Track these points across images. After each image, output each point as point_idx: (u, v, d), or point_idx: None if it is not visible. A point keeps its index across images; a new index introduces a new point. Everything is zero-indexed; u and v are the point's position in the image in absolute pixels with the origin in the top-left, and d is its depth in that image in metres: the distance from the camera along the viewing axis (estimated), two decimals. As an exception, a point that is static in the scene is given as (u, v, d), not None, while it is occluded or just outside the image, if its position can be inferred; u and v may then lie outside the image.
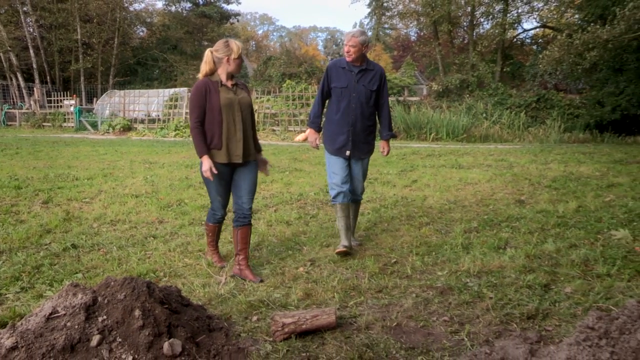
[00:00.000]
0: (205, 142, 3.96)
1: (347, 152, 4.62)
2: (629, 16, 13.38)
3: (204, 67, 4.01)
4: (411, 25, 34.48)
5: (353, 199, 4.78)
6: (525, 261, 4.26)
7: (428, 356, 2.82)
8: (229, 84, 4.03)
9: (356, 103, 4.57)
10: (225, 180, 4.10)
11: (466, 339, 2.99)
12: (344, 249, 4.50)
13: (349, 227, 4.71)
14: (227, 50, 3.95)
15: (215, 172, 3.91)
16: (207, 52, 4.01)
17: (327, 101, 4.79)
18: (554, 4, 23.79)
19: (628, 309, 2.30)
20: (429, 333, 3.11)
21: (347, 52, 4.53)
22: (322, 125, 4.81)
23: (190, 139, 20.15)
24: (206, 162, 3.91)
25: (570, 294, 3.60)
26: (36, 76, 28.51)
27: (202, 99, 3.94)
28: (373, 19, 33.09)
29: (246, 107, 4.10)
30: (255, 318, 3.33)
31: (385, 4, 30.75)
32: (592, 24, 15.20)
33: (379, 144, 4.87)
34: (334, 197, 4.64)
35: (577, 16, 21.28)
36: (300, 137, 17.87)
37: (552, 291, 3.67)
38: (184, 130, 20.21)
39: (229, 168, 4.06)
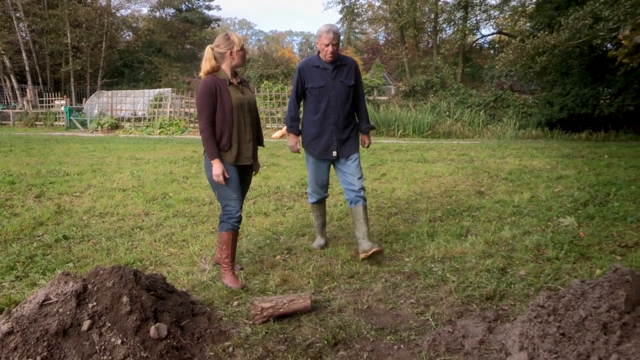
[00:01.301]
0: (216, 144, 3.53)
1: (334, 153, 4.16)
2: (572, 25, 13.85)
3: (206, 65, 3.58)
4: (380, 30, 34.75)
5: (356, 199, 4.20)
6: (484, 247, 4.32)
7: (396, 336, 2.84)
8: (236, 82, 3.64)
9: (336, 101, 4.11)
10: (238, 178, 3.69)
11: (431, 319, 3.02)
12: (319, 249, 4.38)
13: (325, 224, 4.53)
14: (228, 43, 3.53)
15: (228, 176, 3.54)
16: (208, 49, 3.59)
17: (301, 103, 4.34)
18: (508, 13, 24.28)
19: (573, 288, 2.35)
20: (397, 314, 3.14)
21: (332, 53, 4.00)
22: (300, 128, 4.36)
23: (175, 136, 19.96)
24: (218, 166, 3.50)
25: (524, 276, 3.66)
26: (29, 78, 28.23)
27: (212, 97, 3.50)
28: (344, 24, 33.20)
29: (253, 107, 3.75)
30: (235, 303, 3.31)
31: (355, 11, 30.90)
32: (541, 31, 15.55)
33: (360, 138, 4.45)
34: (314, 202, 4.38)
35: (528, 24, 21.68)
36: (277, 134, 17.80)
37: (508, 274, 3.73)
38: (168, 128, 20.04)
39: (236, 168, 3.67)
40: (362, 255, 4.00)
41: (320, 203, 4.39)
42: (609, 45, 15.24)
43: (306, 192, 6.81)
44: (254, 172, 3.93)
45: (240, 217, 3.70)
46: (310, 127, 4.20)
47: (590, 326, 2.13)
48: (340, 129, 4.17)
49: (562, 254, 4.07)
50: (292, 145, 4.35)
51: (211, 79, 3.53)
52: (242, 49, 3.57)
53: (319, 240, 4.47)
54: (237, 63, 3.59)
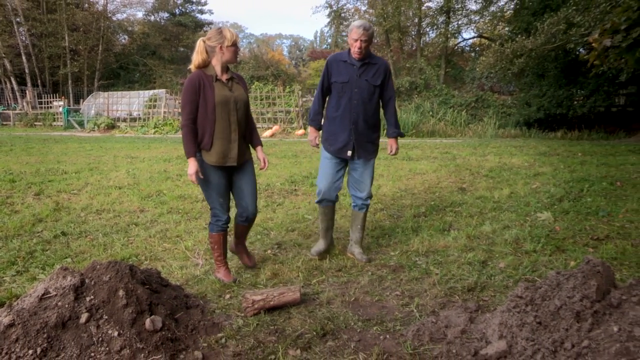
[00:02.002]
0: (195, 142, 3.28)
1: (349, 153, 3.85)
2: (547, 30, 14.12)
3: (196, 57, 3.33)
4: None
5: (362, 206, 3.98)
6: (466, 241, 4.35)
7: (382, 326, 2.86)
8: (224, 78, 3.36)
9: (358, 99, 3.77)
10: (224, 180, 3.43)
11: (415, 310, 3.04)
12: (316, 256, 3.99)
13: (330, 229, 4.10)
14: (219, 37, 3.27)
15: (202, 176, 3.28)
16: (199, 42, 3.34)
17: (327, 98, 4.02)
18: (488, 18, 24.49)
19: (549, 279, 2.39)
20: (383, 306, 3.15)
21: (359, 49, 3.68)
22: (322, 124, 4.05)
23: (169, 135, 19.76)
24: (192, 165, 3.24)
25: (503, 268, 3.69)
26: (28, 80, 28.30)
27: (195, 94, 3.26)
28: (332, 28, 33.18)
29: (242, 106, 3.43)
30: (228, 296, 3.31)
31: (342, 15, 30.91)
32: (519, 36, 15.73)
33: (387, 143, 4.07)
34: (319, 201, 4.00)
35: (507, 28, 21.86)
36: (268, 133, 17.76)
37: (489, 267, 3.76)
38: (162, 128, 19.93)
39: (224, 170, 3.41)
40: (349, 254, 4.06)
41: (326, 205, 4.00)
42: (581, 49, 15.45)
43: (295, 189, 6.82)
44: (260, 168, 3.68)
45: (227, 219, 3.50)
46: (330, 123, 3.92)
47: (564, 315, 2.16)
48: (359, 129, 3.83)
49: (539, 247, 4.12)
50: (311, 140, 4.05)
51: (197, 74, 3.31)
52: (233, 44, 3.29)
53: (319, 245, 4.07)
54: (228, 59, 3.32)
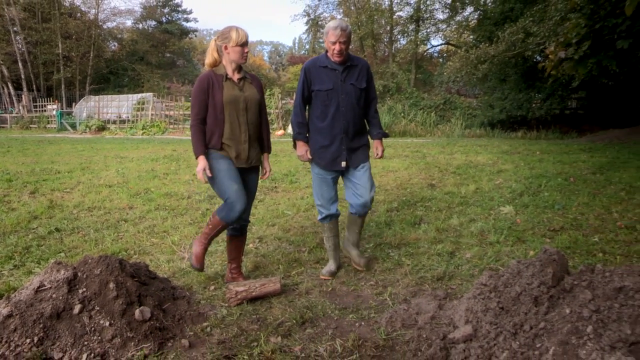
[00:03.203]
0: (204, 141, 3.00)
1: (343, 164, 3.37)
2: (507, 38, 14.47)
3: (208, 57, 3.09)
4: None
5: (363, 211, 3.52)
6: (435, 234, 4.39)
7: (357, 314, 2.87)
8: (235, 77, 3.07)
9: (347, 106, 3.32)
10: (234, 167, 3.06)
11: (388, 299, 3.06)
12: (328, 277, 3.44)
13: (338, 247, 3.61)
14: (225, 37, 3.02)
15: (210, 174, 2.96)
16: (212, 41, 3.09)
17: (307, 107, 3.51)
18: (454, 27, 24.81)
19: (511, 268, 2.43)
20: (358, 295, 3.17)
21: (339, 51, 3.22)
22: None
23: (156, 136, 19.50)
24: (201, 163, 2.95)
25: (469, 258, 3.74)
26: (24, 85, 28.15)
27: (204, 93, 3.00)
28: (310, 35, 33.12)
29: (253, 105, 3.10)
30: (212, 287, 3.28)
31: (320, 22, 30.87)
32: (482, 43, 16.03)
33: (372, 145, 3.59)
34: (322, 219, 3.53)
35: (471, 36, 22.24)
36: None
37: (456, 257, 3.80)
38: (150, 129, 19.74)
39: (232, 163, 3.07)
40: (355, 265, 3.60)
41: (331, 221, 3.53)
42: (538, 57, 15.81)
43: (275, 187, 6.79)
44: (261, 177, 3.31)
45: (241, 212, 3.01)
46: (317, 135, 3.39)
47: (524, 300, 2.21)
48: (350, 137, 3.38)
49: (502, 238, 4.18)
50: (301, 154, 3.44)
51: (207, 74, 3.06)
52: (238, 44, 3.00)
53: (330, 266, 3.54)
54: (235, 58, 3.03)
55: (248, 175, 3.19)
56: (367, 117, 3.55)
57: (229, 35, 2.99)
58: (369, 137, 3.58)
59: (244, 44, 3.02)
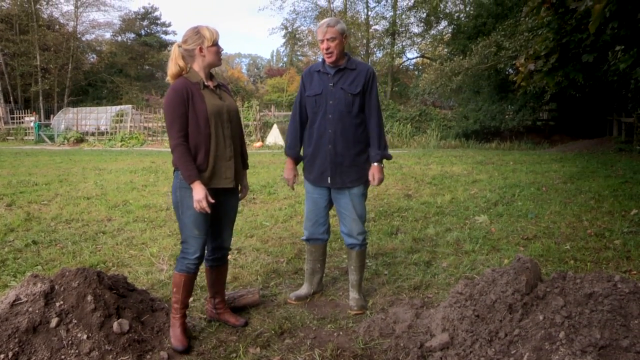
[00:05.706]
0: (194, 163, 2.53)
1: (329, 179, 2.99)
2: (480, 52, 14.91)
3: (172, 66, 2.61)
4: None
5: (352, 245, 3.09)
6: (412, 243, 4.42)
7: (336, 324, 2.86)
8: (211, 85, 2.67)
9: (334, 113, 2.92)
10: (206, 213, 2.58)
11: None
12: (294, 301, 3.13)
13: (317, 272, 3.23)
14: (197, 38, 2.58)
15: (213, 201, 2.52)
16: (174, 47, 2.63)
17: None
18: (429, 40, 25.35)
19: (486, 276, 2.47)
20: (337, 305, 3.16)
21: (327, 50, 2.87)
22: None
23: (135, 148, 19.14)
24: (200, 190, 2.47)
25: (445, 267, 3.78)
26: (1, 97, 27.55)
27: (183, 105, 2.52)
28: (287, 47, 33.35)
29: (235, 117, 2.72)
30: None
31: (297, 36, 31.15)
32: (456, 56, 16.41)
33: (370, 169, 3.02)
34: (304, 239, 3.22)
35: (446, 49, 22.73)
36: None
37: (433, 266, 3.83)
38: (128, 141, 19.57)
39: (211, 194, 2.56)
40: (350, 311, 3.04)
41: (313, 245, 3.18)
42: (510, 69, 16.27)
43: (254, 198, 6.76)
44: (240, 196, 2.89)
45: (199, 259, 2.65)
46: (306, 145, 3.08)
47: (499, 307, 2.24)
48: (337, 150, 2.94)
49: (477, 247, 4.24)
50: (287, 179, 3.12)
51: (182, 82, 2.57)
52: (214, 44, 2.61)
53: (301, 290, 3.23)
54: (211, 61, 2.63)
55: (228, 198, 2.75)
56: (368, 131, 3.01)
57: (202, 35, 2.58)
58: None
59: (217, 42, 2.65)
